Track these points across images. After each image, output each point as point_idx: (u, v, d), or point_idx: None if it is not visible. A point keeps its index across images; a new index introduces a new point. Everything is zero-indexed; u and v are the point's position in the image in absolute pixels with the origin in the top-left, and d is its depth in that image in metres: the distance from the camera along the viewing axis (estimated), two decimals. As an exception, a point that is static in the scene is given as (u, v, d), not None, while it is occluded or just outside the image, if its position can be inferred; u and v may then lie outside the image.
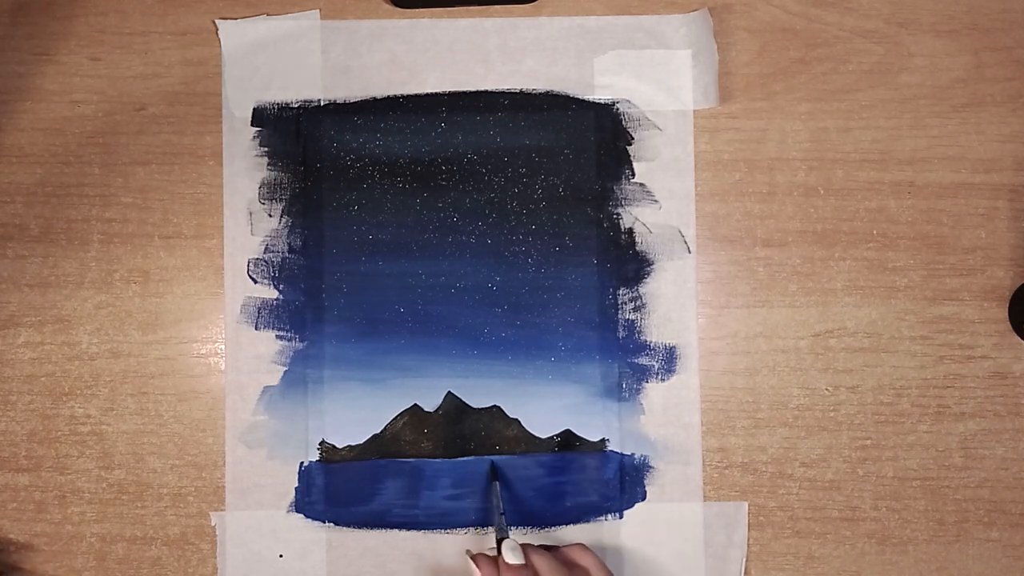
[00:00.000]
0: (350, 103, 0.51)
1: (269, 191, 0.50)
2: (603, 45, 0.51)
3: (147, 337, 0.50)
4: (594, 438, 0.50)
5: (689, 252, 0.50)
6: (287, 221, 0.50)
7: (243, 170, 0.50)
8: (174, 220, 0.50)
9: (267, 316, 0.50)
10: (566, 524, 0.50)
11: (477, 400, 0.50)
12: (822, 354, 0.50)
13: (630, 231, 0.51)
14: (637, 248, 0.51)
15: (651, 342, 0.50)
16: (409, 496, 0.50)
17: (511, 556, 0.43)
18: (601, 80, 0.51)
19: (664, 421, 0.50)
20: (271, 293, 0.50)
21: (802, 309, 0.51)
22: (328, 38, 0.51)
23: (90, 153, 0.50)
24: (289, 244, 0.50)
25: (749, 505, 0.50)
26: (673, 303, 0.50)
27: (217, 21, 0.51)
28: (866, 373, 0.50)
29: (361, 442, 0.50)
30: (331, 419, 0.50)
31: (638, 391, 0.50)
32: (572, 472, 0.50)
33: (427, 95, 0.51)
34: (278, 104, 0.51)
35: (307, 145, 0.50)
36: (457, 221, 0.51)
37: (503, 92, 0.51)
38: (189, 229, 0.50)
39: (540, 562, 0.43)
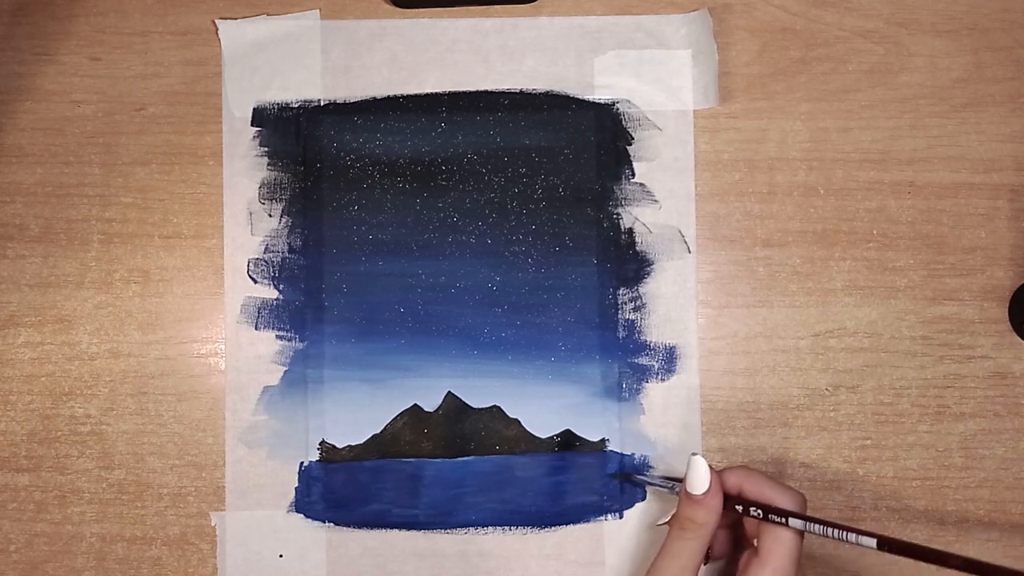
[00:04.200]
0: (350, 103, 0.51)
1: (269, 191, 0.50)
2: (603, 45, 0.51)
3: (147, 337, 0.50)
4: (594, 438, 0.50)
5: (689, 252, 0.50)
6: (287, 221, 0.50)
7: (243, 170, 0.50)
8: (174, 220, 0.50)
9: (267, 316, 0.50)
10: (566, 524, 0.50)
11: (477, 400, 0.50)
12: (822, 354, 0.50)
13: (630, 231, 0.51)
14: (637, 248, 0.51)
15: (651, 342, 0.50)
16: (409, 496, 0.50)
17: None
18: (601, 80, 0.51)
19: (664, 421, 0.50)
20: (271, 293, 0.50)
21: (802, 309, 0.51)
22: (328, 38, 0.51)
23: (90, 153, 0.50)
24: (289, 244, 0.50)
25: (749, 505, 0.50)
26: (673, 303, 0.50)
27: (217, 21, 0.51)
28: (866, 373, 0.50)
29: (361, 442, 0.50)
30: (331, 419, 0.50)
31: (638, 391, 0.50)
32: (572, 472, 0.50)
33: (427, 95, 0.51)
34: (278, 104, 0.51)
35: (307, 145, 0.51)
36: (457, 221, 0.51)
37: (503, 92, 0.51)
38: (189, 229, 0.50)
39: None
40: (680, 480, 0.43)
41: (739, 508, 0.42)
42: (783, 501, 0.41)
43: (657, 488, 0.48)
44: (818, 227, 0.51)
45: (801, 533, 0.41)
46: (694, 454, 0.43)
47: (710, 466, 0.42)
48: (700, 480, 0.42)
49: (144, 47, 0.51)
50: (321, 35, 0.51)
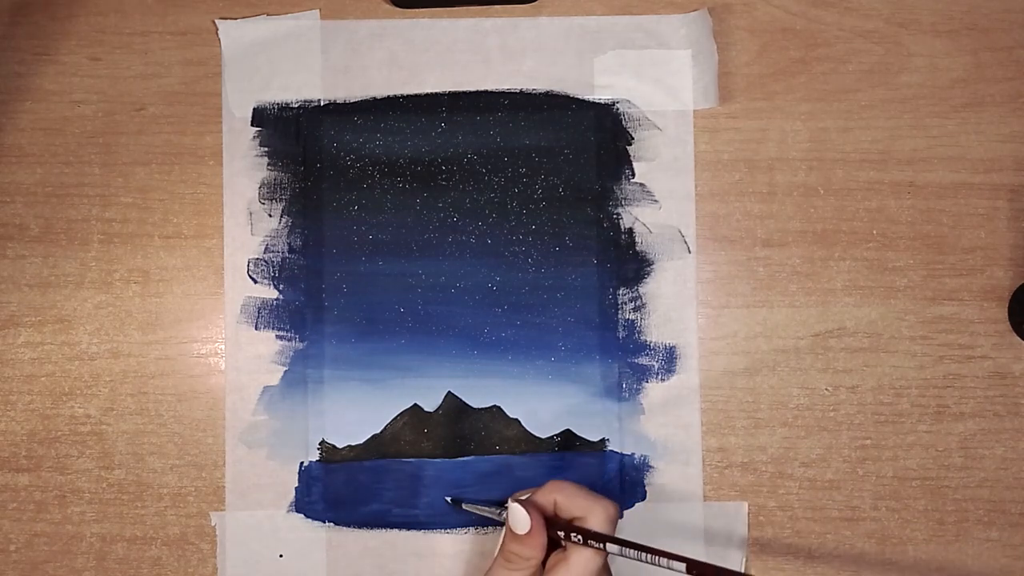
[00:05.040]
0: (350, 103, 0.51)
1: (269, 191, 0.50)
2: (603, 45, 0.51)
3: (147, 337, 0.50)
4: (594, 438, 0.50)
5: (689, 252, 0.51)
6: (287, 221, 0.50)
7: (243, 170, 0.50)
8: (174, 220, 0.50)
9: (267, 316, 0.50)
10: (566, 524, 0.50)
11: (477, 400, 0.50)
12: (822, 354, 0.50)
13: (630, 231, 0.51)
14: (637, 248, 0.51)
15: (651, 342, 0.50)
16: (409, 496, 0.50)
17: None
18: (601, 80, 0.51)
19: (664, 421, 0.50)
20: (271, 293, 0.50)
21: (802, 309, 0.51)
22: (328, 38, 0.51)
23: (90, 153, 0.50)
24: (289, 244, 0.50)
25: (749, 505, 0.50)
26: (673, 303, 0.50)
27: (217, 21, 0.51)
28: (866, 373, 0.50)
29: (361, 442, 0.50)
30: (331, 419, 0.50)
31: (638, 391, 0.50)
32: (572, 472, 0.50)
33: (427, 95, 0.51)
34: (278, 104, 0.51)
35: (307, 145, 0.51)
36: (457, 221, 0.51)
37: (503, 92, 0.51)
38: (189, 229, 0.50)
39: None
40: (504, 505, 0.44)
41: (560, 534, 0.42)
42: (595, 512, 0.42)
43: (487, 515, 0.47)
44: (818, 227, 0.51)
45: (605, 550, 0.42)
46: (513, 500, 0.43)
47: (528, 507, 0.42)
48: (521, 523, 0.42)
49: (144, 47, 0.51)
50: (321, 35, 0.51)
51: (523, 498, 0.43)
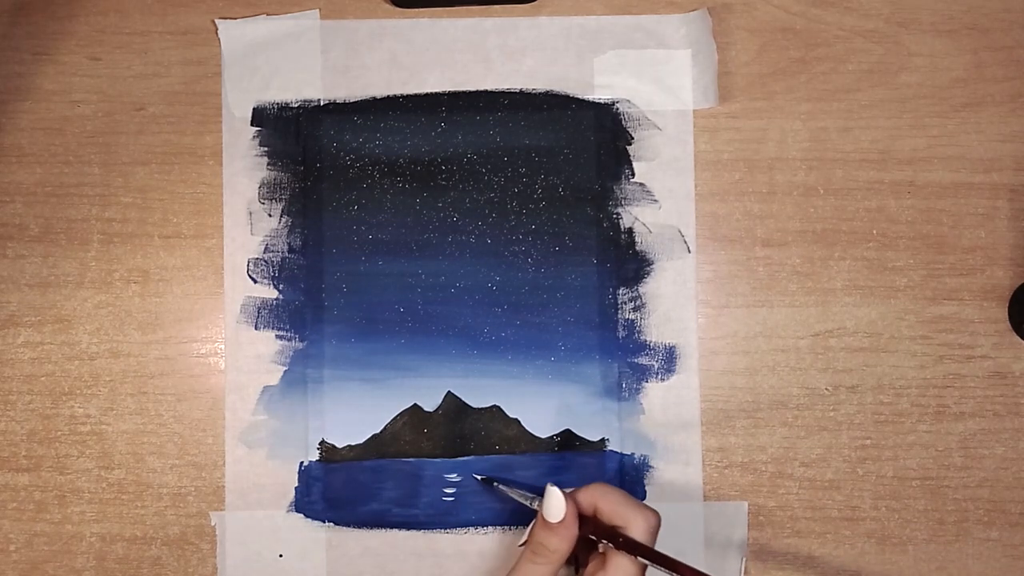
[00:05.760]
0: (350, 103, 0.51)
1: (269, 191, 0.50)
2: (603, 45, 0.51)
3: (147, 337, 0.50)
4: (594, 438, 0.50)
5: (689, 252, 0.51)
6: (287, 221, 0.50)
7: (243, 170, 0.50)
8: (174, 220, 0.50)
9: (267, 316, 0.50)
10: (566, 524, 0.50)
11: (477, 400, 0.50)
12: (822, 354, 0.50)
13: (630, 231, 0.51)
14: (637, 248, 0.51)
15: (651, 342, 0.50)
16: (409, 496, 0.50)
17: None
18: (601, 80, 0.51)
19: (664, 421, 0.50)
20: (271, 293, 0.50)
21: (802, 309, 0.51)
22: (328, 38, 0.51)
23: (90, 153, 0.50)
24: (289, 244, 0.50)
25: (749, 505, 0.50)
26: (673, 303, 0.50)
27: (217, 21, 0.51)
28: (866, 373, 0.50)
29: (361, 442, 0.50)
30: (331, 419, 0.50)
31: (638, 391, 0.50)
32: (572, 472, 0.50)
33: (427, 95, 0.51)
34: (278, 104, 0.51)
35: (307, 145, 0.51)
36: (457, 221, 0.51)
37: (503, 92, 0.51)
38: (189, 229, 0.50)
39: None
40: (541, 494, 0.43)
41: (592, 537, 0.42)
42: (637, 521, 0.41)
43: (517, 500, 0.47)
44: (818, 227, 0.51)
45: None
46: (550, 484, 0.42)
47: (566, 495, 0.42)
48: (556, 509, 0.41)
49: (144, 47, 0.51)
50: (321, 35, 0.51)
51: (566, 490, 0.43)
